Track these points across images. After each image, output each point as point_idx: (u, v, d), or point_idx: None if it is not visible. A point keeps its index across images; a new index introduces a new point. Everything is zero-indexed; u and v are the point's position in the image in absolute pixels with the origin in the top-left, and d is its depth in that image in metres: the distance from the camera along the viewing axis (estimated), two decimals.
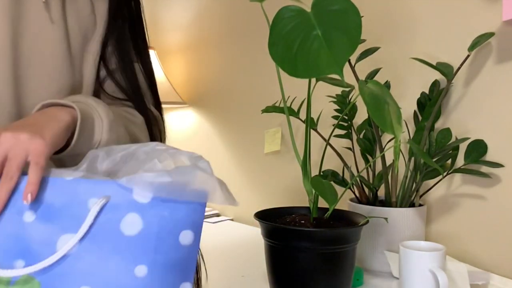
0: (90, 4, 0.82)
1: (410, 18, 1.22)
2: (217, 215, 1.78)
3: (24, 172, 0.55)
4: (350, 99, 1.23)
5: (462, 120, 1.13)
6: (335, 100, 1.22)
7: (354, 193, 1.19)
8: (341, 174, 1.20)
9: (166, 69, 2.03)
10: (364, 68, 1.27)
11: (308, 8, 0.76)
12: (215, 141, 1.84)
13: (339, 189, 1.34)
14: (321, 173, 1.18)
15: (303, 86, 1.49)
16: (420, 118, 1.16)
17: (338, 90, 1.34)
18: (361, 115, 1.28)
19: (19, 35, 0.73)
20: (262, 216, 0.94)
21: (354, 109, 1.23)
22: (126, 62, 0.85)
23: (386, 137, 1.24)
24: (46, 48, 0.76)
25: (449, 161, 1.11)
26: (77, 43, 0.80)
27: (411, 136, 1.17)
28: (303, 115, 1.30)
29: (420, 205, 1.10)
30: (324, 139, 1.15)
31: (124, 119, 0.79)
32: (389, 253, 1.03)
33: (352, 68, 1.14)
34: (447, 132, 1.08)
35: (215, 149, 1.84)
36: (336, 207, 0.94)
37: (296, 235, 0.84)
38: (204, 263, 0.91)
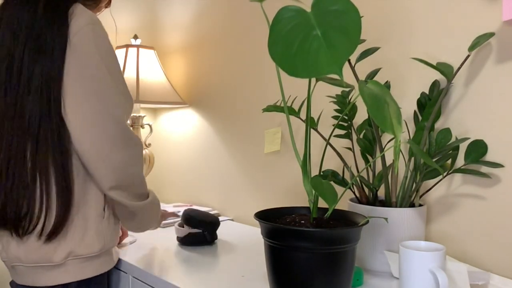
0: None
1: (411, 18, 1.22)
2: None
3: None
4: (350, 99, 1.23)
5: (462, 120, 1.13)
6: (335, 100, 1.22)
7: (354, 193, 1.19)
8: (341, 174, 1.20)
9: (166, 69, 2.03)
10: (364, 68, 1.27)
11: (308, 8, 0.76)
12: (215, 141, 1.84)
13: (339, 189, 1.35)
14: (321, 173, 1.18)
15: (303, 86, 1.49)
16: (420, 118, 1.16)
17: (338, 90, 1.34)
18: (361, 115, 1.28)
19: None
20: (262, 216, 0.94)
21: (354, 109, 1.23)
22: None
23: (386, 137, 1.24)
24: None
25: (449, 161, 1.11)
26: None
27: (411, 136, 1.17)
28: (303, 115, 1.30)
29: (420, 205, 1.09)
30: (324, 139, 1.15)
31: None
32: (389, 253, 1.03)
33: (352, 68, 1.14)
34: (447, 132, 1.08)
35: (215, 149, 1.84)
36: (336, 207, 0.94)
37: (296, 235, 0.84)
38: None
